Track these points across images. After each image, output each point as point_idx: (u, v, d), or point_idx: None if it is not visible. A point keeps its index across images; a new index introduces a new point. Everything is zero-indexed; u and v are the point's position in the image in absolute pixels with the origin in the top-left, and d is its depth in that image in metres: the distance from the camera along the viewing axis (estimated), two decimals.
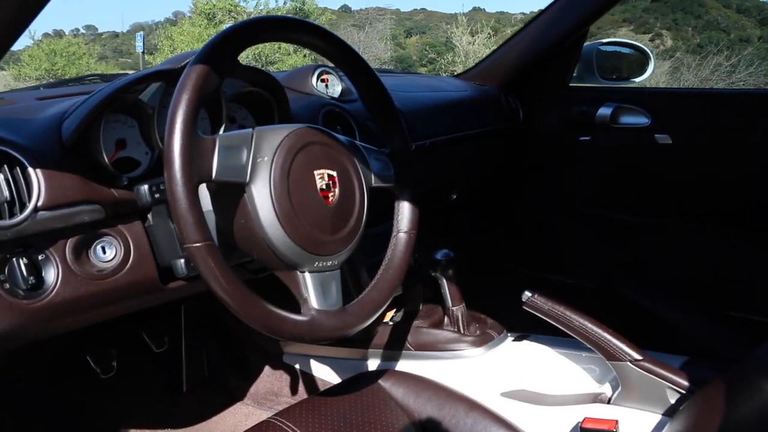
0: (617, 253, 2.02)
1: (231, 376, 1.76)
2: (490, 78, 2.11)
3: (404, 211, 1.09)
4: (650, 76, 2.11)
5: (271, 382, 1.67)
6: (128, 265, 1.02)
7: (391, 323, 1.45)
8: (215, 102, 1.14)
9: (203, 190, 0.92)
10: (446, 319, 1.38)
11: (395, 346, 1.37)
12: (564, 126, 2.02)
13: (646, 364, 1.05)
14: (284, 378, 1.63)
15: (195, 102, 0.80)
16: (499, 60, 2.10)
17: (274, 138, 0.88)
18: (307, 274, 0.91)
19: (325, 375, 1.52)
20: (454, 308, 1.35)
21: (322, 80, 1.48)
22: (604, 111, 1.91)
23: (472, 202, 2.11)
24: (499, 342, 1.32)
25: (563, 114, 2.02)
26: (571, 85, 2.07)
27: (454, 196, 1.82)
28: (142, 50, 16.46)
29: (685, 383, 1.01)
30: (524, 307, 1.19)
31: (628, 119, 1.90)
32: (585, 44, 2.01)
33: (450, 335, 1.32)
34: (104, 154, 0.98)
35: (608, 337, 1.09)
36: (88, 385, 1.56)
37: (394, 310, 1.53)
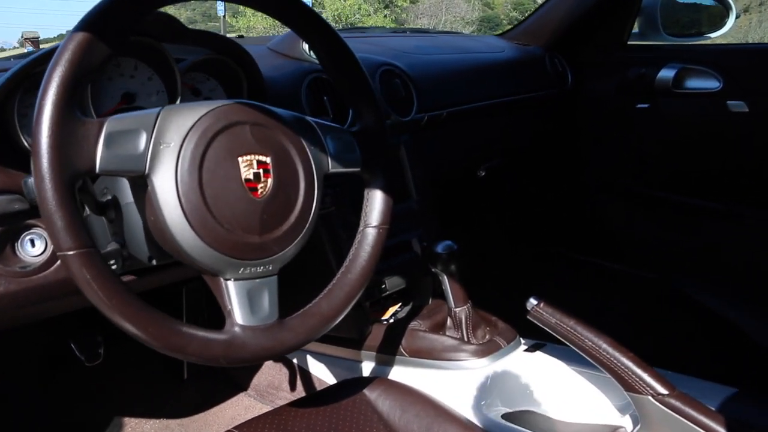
0: (680, 241, 1.74)
1: None
2: (535, 37, 1.85)
3: (373, 202, 0.90)
4: (728, 31, 1.78)
5: (272, 374, 1.54)
6: (59, 261, 0.89)
7: (389, 322, 1.28)
8: (168, 72, 0.99)
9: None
10: (449, 321, 1.19)
11: (388, 350, 1.20)
12: (619, 91, 1.74)
13: (672, 401, 0.82)
14: (284, 372, 1.50)
15: (71, 79, 0.64)
16: (546, 16, 1.83)
17: (185, 119, 0.71)
18: (230, 283, 0.74)
19: (320, 373, 1.37)
20: (457, 310, 1.16)
21: None
22: (666, 73, 1.62)
23: (508, 178, 1.87)
24: (507, 352, 1.12)
25: (618, 77, 1.73)
26: (629, 43, 1.78)
27: (482, 173, 1.60)
28: (223, 14, 16.54)
29: (720, 429, 0.79)
30: (528, 317, 0.99)
31: (694, 83, 1.60)
32: None
33: (449, 342, 1.13)
34: (22, 137, 0.85)
35: (627, 363, 0.87)
36: (83, 373, 1.48)
37: (399, 304, 1.35)
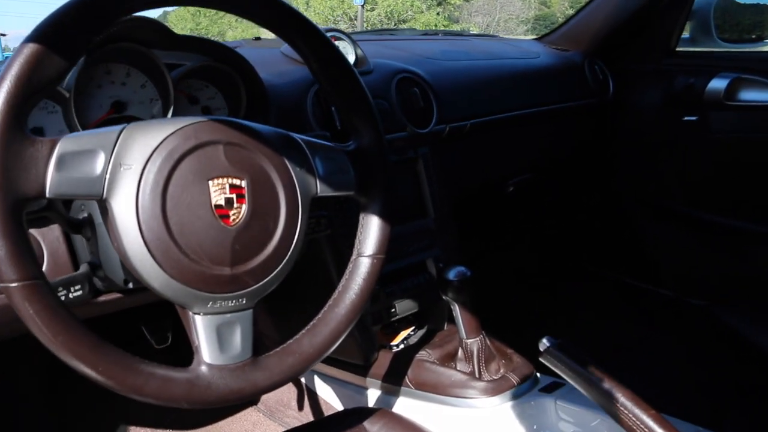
0: (727, 268, 1.60)
1: None
2: (574, 42, 1.73)
3: (369, 228, 0.82)
4: None
5: (282, 391, 1.48)
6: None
7: (398, 347, 1.20)
8: (162, 79, 0.93)
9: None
10: (461, 352, 1.10)
11: (394, 380, 1.12)
12: (664, 102, 1.61)
13: None
14: (292, 390, 1.44)
15: (18, 96, 0.58)
16: (587, 19, 1.71)
17: (149, 138, 0.64)
18: (198, 317, 0.67)
19: (327, 395, 1.31)
20: (469, 341, 1.07)
21: None
22: (718, 84, 1.48)
23: (538, 194, 1.75)
24: (520, 391, 1.02)
25: (664, 87, 1.60)
26: (678, 49, 1.64)
27: (511, 188, 1.49)
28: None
29: None
30: (540, 359, 0.89)
31: (749, 94, 1.46)
32: None
33: (457, 377, 1.05)
34: None
35: (648, 423, 0.77)
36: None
37: (412, 328, 1.27)
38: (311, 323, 0.77)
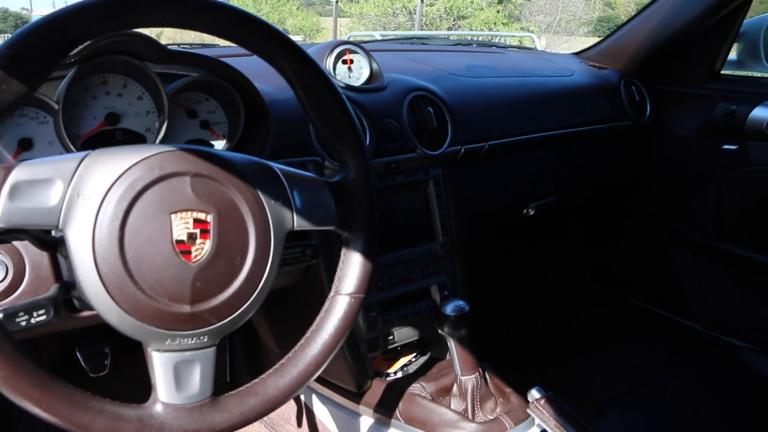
0: (761, 308, 1.50)
1: None
2: (613, 59, 1.65)
3: (349, 265, 0.78)
4: None
5: (284, 406, 1.46)
6: (20, 290, 0.83)
7: (393, 376, 1.16)
8: (158, 92, 0.91)
9: None
10: (455, 388, 1.05)
11: (384, 412, 1.08)
12: (703, 128, 1.51)
13: None
14: (292, 405, 1.41)
15: None
16: (628, 36, 1.62)
17: (111, 167, 0.62)
18: (155, 354, 0.65)
19: (323, 416, 1.28)
20: (464, 378, 1.02)
21: (344, 62, 1.17)
22: (762, 112, 1.38)
23: (565, 218, 1.68)
24: None
25: (704, 112, 1.51)
26: (722, 73, 1.54)
27: (532, 212, 1.43)
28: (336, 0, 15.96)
29: None
30: (528, 410, 0.84)
31: None
32: (748, 19, 1.46)
33: (448, 416, 1.00)
34: None
35: None
36: (87, 383, 1.46)
37: (414, 354, 1.23)
38: (279, 363, 0.73)
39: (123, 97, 0.93)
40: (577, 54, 1.82)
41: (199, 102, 0.99)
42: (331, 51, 1.16)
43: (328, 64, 1.15)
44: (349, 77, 1.17)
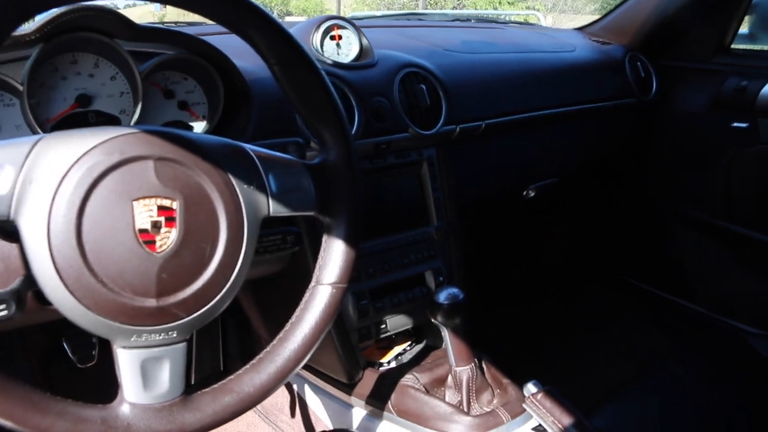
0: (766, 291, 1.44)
1: None
2: (617, 34, 1.58)
3: (330, 253, 0.73)
4: None
5: (277, 395, 1.42)
6: None
7: (387, 365, 1.11)
8: (130, 74, 0.86)
9: None
10: (450, 379, 1.01)
11: (377, 404, 1.03)
12: (712, 105, 1.44)
13: None
14: (285, 394, 1.38)
15: None
16: (634, 9, 1.55)
17: (66, 152, 0.57)
18: (120, 352, 0.61)
19: (315, 406, 1.24)
20: (459, 369, 0.98)
21: (332, 38, 1.11)
22: None
23: (567, 199, 1.62)
24: (509, 429, 0.92)
25: (713, 88, 1.44)
26: (733, 47, 1.47)
27: (532, 194, 1.37)
28: None
29: None
30: (524, 405, 0.80)
31: None
32: None
33: (442, 409, 0.95)
34: None
35: None
36: (75, 373, 1.43)
37: (408, 343, 1.19)
38: (257, 358, 0.69)
39: (95, 78, 0.88)
40: (580, 29, 1.75)
41: (177, 82, 0.94)
42: (318, 26, 1.10)
43: (315, 40, 1.09)
44: (338, 54, 1.11)
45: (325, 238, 0.73)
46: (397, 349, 1.17)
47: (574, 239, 1.77)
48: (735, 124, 1.39)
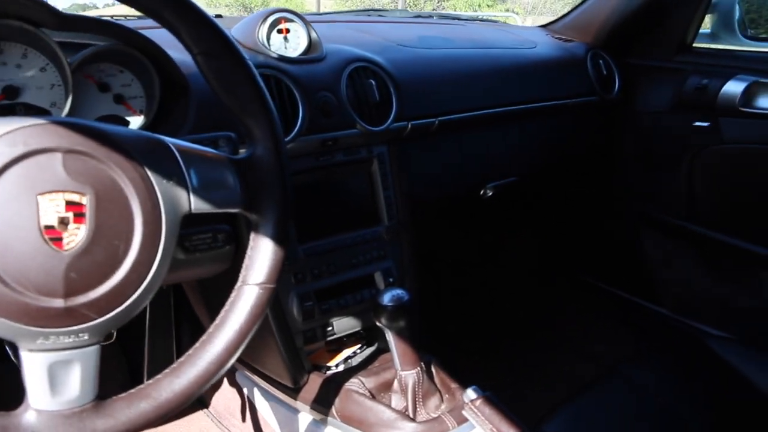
0: (730, 292, 1.43)
1: None
2: (580, 32, 1.57)
3: (258, 252, 0.69)
4: None
5: (229, 397, 1.38)
6: None
7: (334, 369, 1.08)
8: (61, 65, 0.82)
9: None
10: (396, 384, 0.97)
11: (321, 409, 1.00)
12: (674, 104, 1.43)
13: None
14: (236, 398, 1.34)
15: None
16: (597, 6, 1.53)
17: None
18: (25, 355, 0.57)
19: (264, 410, 1.20)
20: (404, 374, 0.95)
21: (280, 31, 1.07)
22: (734, 87, 1.30)
23: (522, 200, 1.59)
24: None
25: (675, 87, 1.42)
26: (694, 45, 1.45)
27: (490, 193, 1.34)
28: None
29: None
30: (463, 411, 0.77)
31: None
32: None
33: (386, 415, 0.92)
34: None
35: None
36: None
37: (359, 346, 1.15)
38: (177, 362, 0.65)
39: (23, 68, 0.83)
40: (543, 27, 1.73)
41: (112, 74, 0.90)
42: (265, 19, 1.06)
43: (261, 33, 1.05)
44: (285, 48, 1.07)
45: (252, 236, 0.70)
46: (347, 352, 1.13)
47: (535, 239, 1.75)
48: (697, 123, 1.38)
